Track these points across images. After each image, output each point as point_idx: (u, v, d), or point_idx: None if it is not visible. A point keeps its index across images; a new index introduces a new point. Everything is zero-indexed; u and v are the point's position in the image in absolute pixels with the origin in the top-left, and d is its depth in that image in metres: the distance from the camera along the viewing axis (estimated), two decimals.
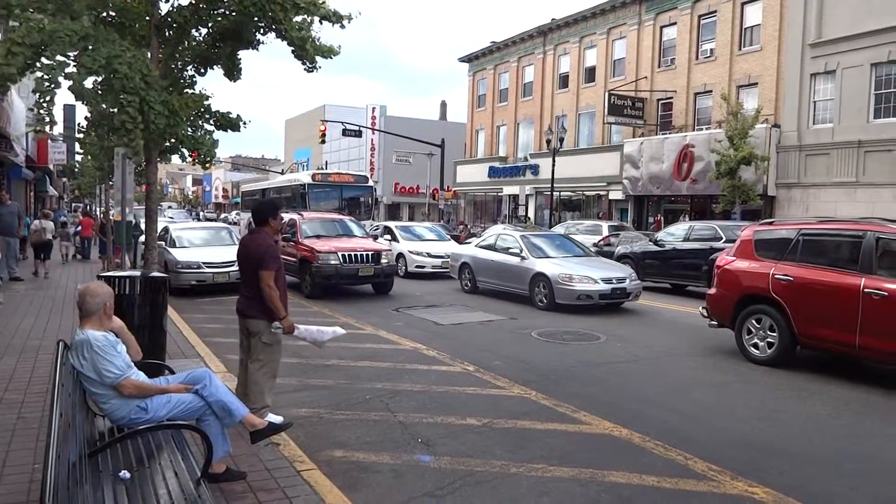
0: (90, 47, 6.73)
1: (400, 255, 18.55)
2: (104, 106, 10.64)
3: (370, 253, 14.33)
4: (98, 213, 29.29)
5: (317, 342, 5.51)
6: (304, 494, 4.26)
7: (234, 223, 41.95)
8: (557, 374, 7.91)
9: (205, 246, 15.51)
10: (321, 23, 8.49)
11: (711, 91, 26.70)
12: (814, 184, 22.89)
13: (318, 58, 9.01)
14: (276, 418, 5.20)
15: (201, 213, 75.19)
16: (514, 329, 10.90)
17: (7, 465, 4.53)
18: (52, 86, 7.06)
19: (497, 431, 5.77)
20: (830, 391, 7.36)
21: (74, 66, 6.99)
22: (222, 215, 71.66)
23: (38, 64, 6.79)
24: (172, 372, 4.59)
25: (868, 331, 7.35)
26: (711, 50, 27.09)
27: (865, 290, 7.37)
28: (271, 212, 5.62)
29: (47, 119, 8.16)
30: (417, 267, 18.20)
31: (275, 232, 5.63)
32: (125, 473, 3.45)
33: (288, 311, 5.58)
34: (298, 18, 8.53)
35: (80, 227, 23.92)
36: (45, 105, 7.62)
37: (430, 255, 18.31)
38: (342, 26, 8.61)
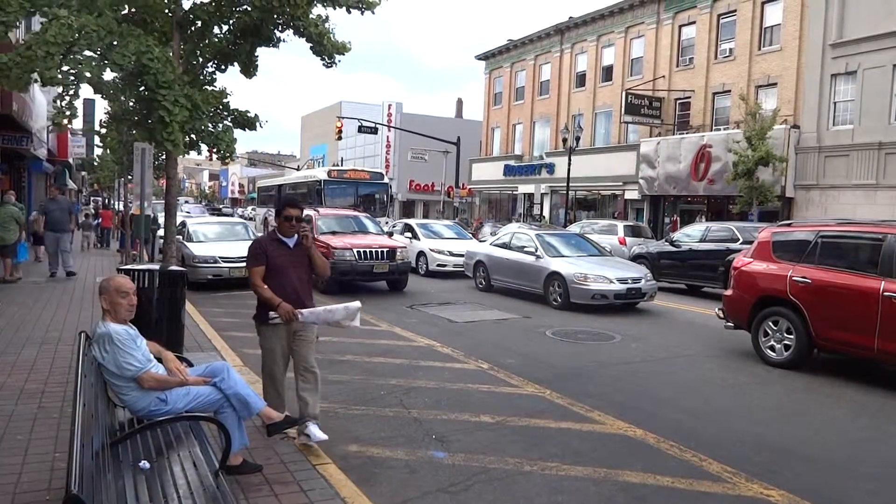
0: (115, 43, 6.83)
1: (421, 254, 18.52)
2: (123, 99, 10.78)
3: (385, 250, 14.38)
4: (116, 206, 29.86)
5: (330, 322, 5.09)
6: (319, 488, 4.30)
7: (250, 218, 42.20)
8: (572, 373, 7.91)
9: (221, 240, 15.65)
10: (349, 11, 8.56)
11: (730, 91, 26.46)
12: (833, 185, 22.65)
13: (335, 54, 9.10)
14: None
15: (242, 210, 67.02)
16: (528, 328, 10.90)
17: (29, 454, 4.60)
18: (77, 80, 7.17)
19: (511, 429, 5.78)
20: (847, 395, 7.30)
21: (100, 61, 7.10)
22: (238, 210, 71.50)
23: (65, 61, 6.90)
24: (190, 364, 4.64)
25: (887, 334, 7.27)
26: (730, 49, 26.87)
27: (885, 293, 7.29)
28: (276, 209, 5.28)
29: (67, 112, 8.25)
30: (439, 265, 18.10)
31: (284, 229, 5.14)
32: (145, 463, 3.51)
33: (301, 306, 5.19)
34: (314, 15, 8.61)
35: (100, 220, 25.85)
36: (67, 98, 7.74)
37: (451, 254, 18.12)
38: (372, 12, 8.67)
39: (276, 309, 4.91)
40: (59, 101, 8.13)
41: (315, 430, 5.02)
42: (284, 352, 5.16)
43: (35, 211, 20.62)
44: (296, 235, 5.12)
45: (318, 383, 5.19)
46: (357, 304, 5.05)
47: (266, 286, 4.99)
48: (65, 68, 7.19)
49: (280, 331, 5.08)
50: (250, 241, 15.81)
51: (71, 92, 7.72)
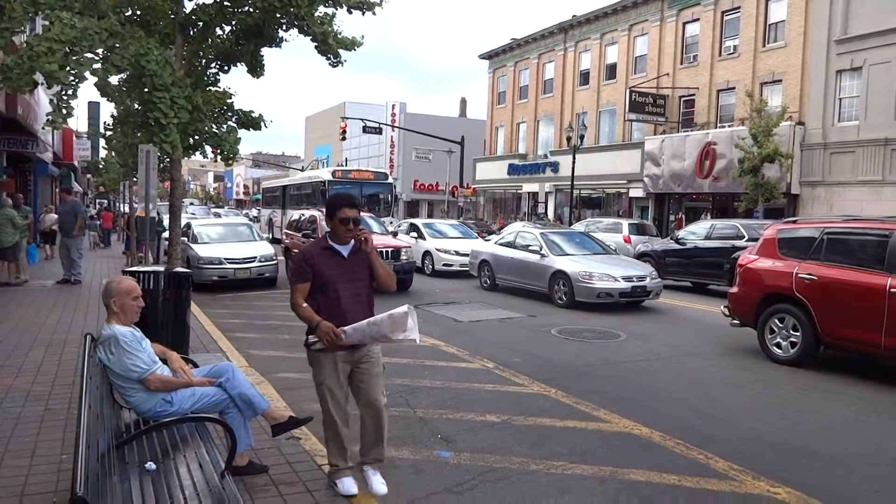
0: (118, 45, 6.85)
1: (427, 253, 18.49)
2: (128, 102, 10.80)
3: (389, 250, 14.38)
4: (122, 208, 30.50)
5: (378, 338, 4.12)
6: (324, 488, 4.30)
7: (255, 219, 42.28)
8: (577, 371, 7.90)
9: (227, 242, 15.66)
10: (350, 12, 8.54)
11: (734, 88, 26.40)
12: (839, 182, 22.55)
13: (341, 51, 9.08)
14: (348, 487, 4.24)
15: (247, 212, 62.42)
16: (533, 326, 10.89)
17: (36, 456, 4.62)
18: (77, 80, 7.20)
19: (516, 428, 5.78)
20: (854, 392, 7.27)
21: (101, 63, 7.13)
22: (244, 211, 71.40)
23: (67, 61, 6.94)
24: (196, 365, 4.65)
25: (894, 331, 7.23)
26: (735, 46, 26.78)
27: (892, 289, 7.25)
28: (327, 210, 4.26)
29: (64, 111, 8.20)
30: (445, 265, 18.03)
31: (340, 234, 4.20)
32: (151, 465, 3.52)
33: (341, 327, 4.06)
34: (320, 13, 8.60)
35: (101, 221, 27.70)
36: (65, 97, 7.76)
37: (457, 253, 18.04)
38: (373, 13, 8.67)
39: (314, 329, 4.06)
40: (55, 100, 8.14)
41: (375, 480, 4.31)
42: (342, 386, 4.28)
43: (42, 213, 20.74)
44: (352, 241, 4.21)
45: (383, 421, 4.33)
46: (402, 308, 4.02)
47: (306, 304, 4.12)
48: (66, 68, 7.23)
49: (332, 360, 4.19)
50: (256, 243, 15.62)
51: (69, 91, 7.73)
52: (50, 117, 7.54)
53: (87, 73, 7.22)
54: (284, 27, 8.77)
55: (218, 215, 34.70)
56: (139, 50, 6.89)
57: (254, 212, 59.36)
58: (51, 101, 9.09)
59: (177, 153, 7.77)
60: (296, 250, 16.39)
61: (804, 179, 23.52)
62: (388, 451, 4.89)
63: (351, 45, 8.99)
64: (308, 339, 4.18)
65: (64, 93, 7.80)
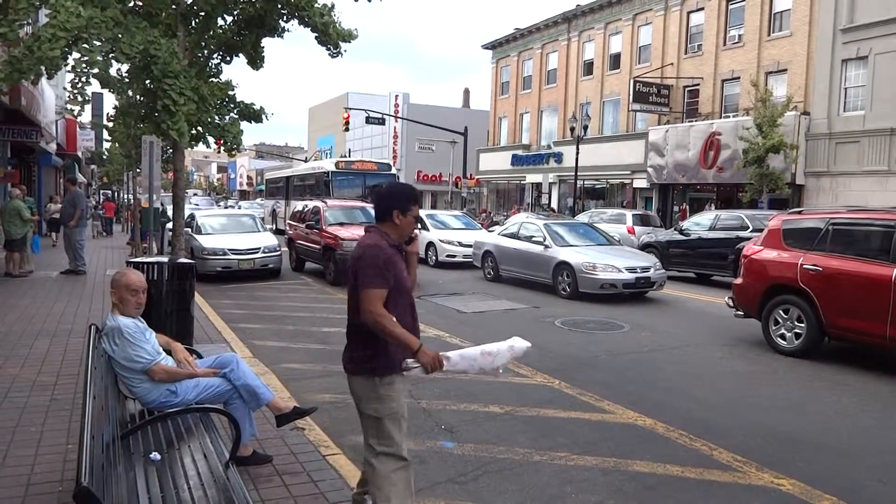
0: (120, 35, 6.86)
1: (430, 244, 18.48)
2: (130, 93, 10.82)
3: None
4: (125, 199, 30.95)
5: (486, 369, 3.57)
6: (329, 479, 4.31)
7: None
8: (581, 362, 7.90)
9: (230, 233, 15.66)
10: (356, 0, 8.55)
11: (739, 78, 26.24)
12: (843, 172, 22.45)
13: (340, 43, 9.10)
14: None
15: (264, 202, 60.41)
16: (537, 317, 10.88)
17: (42, 445, 4.64)
18: (89, 68, 7.23)
19: (520, 419, 5.78)
20: (859, 383, 7.25)
21: (104, 53, 7.14)
22: (261, 201, 71.13)
23: (75, 48, 6.98)
24: (200, 356, 4.66)
25: None
26: (739, 36, 26.63)
27: None
28: (398, 203, 3.52)
29: (80, 98, 8.36)
30: (448, 256, 18.01)
31: (409, 232, 3.59)
32: (156, 455, 3.53)
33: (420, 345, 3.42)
34: (319, 4, 8.60)
35: (104, 210, 28.52)
36: (79, 85, 7.83)
37: (461, 244, 18.02)
38: None
39: (416, 354, 3.40)
40: (70, 87, 8.25)
41: None
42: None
43: (46, 204, 20.87)
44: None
45: None
46: (525, 343, 3.62)
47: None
48: (76, 55, 7.27)
49: (405, 385, 3.58)
50: (259, 234, 15.62)
51: (83, 79, 7.80)
52: (67, 105, 7.64)
53: (98, 58, 7.25)
54: (285, 17, 8.77)
55: (239, 207, 34.71)
56: (147, 38, 6.92)
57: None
58: (64, 88, 9.18)
59: (183, 140, 7.80)
60: (300, 242, 16.40)
61: (809, 170, 23.42)
62: None
63: (348, 36, 9.01)
64: (407, 363, 3.43)
65: (78, 80, 7.88)
